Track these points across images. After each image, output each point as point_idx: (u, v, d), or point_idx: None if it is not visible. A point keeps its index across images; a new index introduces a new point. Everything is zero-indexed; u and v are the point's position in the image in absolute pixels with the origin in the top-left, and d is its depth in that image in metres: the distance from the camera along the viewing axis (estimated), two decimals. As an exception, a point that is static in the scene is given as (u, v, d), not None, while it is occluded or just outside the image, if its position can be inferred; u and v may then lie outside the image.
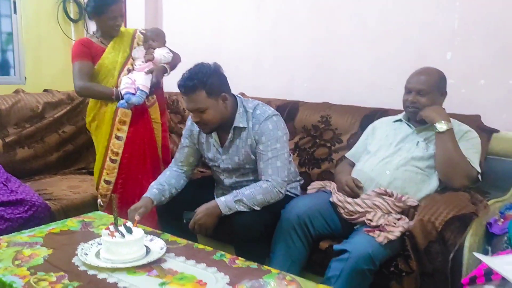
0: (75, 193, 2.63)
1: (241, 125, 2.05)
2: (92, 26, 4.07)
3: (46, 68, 3.99)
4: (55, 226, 1.96)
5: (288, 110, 2.76)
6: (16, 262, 1.60)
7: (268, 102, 2.63)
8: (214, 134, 2.12)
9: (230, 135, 2.07)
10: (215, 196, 2.26)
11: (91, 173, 3.01)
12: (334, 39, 2.85)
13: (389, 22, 2.62)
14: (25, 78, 3.88)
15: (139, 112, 2.50)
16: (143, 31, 2.62)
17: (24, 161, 2.88)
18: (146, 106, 2.54)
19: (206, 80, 1.92)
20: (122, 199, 2.45)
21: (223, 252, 1.70)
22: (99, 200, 2.55)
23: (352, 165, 2.21)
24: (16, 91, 3.07)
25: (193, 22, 3.53)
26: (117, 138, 2.48)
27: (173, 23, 3.63)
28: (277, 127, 2.03)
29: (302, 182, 2.32)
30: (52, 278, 1.49)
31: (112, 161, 2.49)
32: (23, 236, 1.84)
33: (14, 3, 3.79)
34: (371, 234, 1.75)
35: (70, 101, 3.14)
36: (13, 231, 1.96)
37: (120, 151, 2.48)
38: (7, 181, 2.30)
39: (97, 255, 1.65)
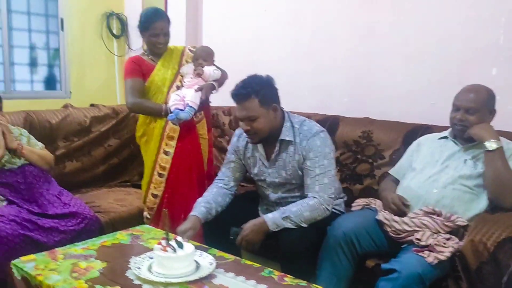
0: (122, 206, 2.69)
1: (287, 138, 2.09)
2: (135, 42, 4.21)
3: (89, 83, 4.14)
4: (106, 239, 2.02)
5: (328, 125, 2.77)
6: (74, 275, 1.66)
7: (307, 116, 2.64)
8: (260, 148, 2.16)
9: (276, 148, 2.11)
10: (259, 211, 2.30)
11: (135, 186, 3.09)
12: (374, 53, 2.86)
13: (430, 36, 2.62)
14: (70, 92, 4.04)
15: (187, 128, 2.56)
16: (192, 49, 2.69)
17: (72, 174, 2.97)
18: (194, 122, 2.60)
19: (260, 90, 1.99)
20: (168, 213, 2.51)
21: (271, 269, 1.72)
22: (145, 213, 2.62)
23: (396, 182, 2.20)
24: (65, 106, 3.19)
25: (232, 37, 3.59)
26: (165, 153, 2.54)
27: (212, 38, 3.71)
28: (324, 144, 2.06)
29: (345, 198, 2.32)
30: (110, 292, 1.54)
31: (160, 175, 2.55)
32: (77, 248, 1.91)
33: (62, 20, 3.95)
34: (420, 254, 1.74)
35: (115, 115, 3.22)
36: (67, 243, 2.03)
37: (168, 166, 2.54)
38: (60, 194, 2.39)
39: (149, 268, 1.69)
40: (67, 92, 4.04)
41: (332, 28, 3.04)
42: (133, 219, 2.58)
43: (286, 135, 2.09)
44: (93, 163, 3.08)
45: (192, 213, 2.08)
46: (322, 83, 3.12)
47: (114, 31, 4.20)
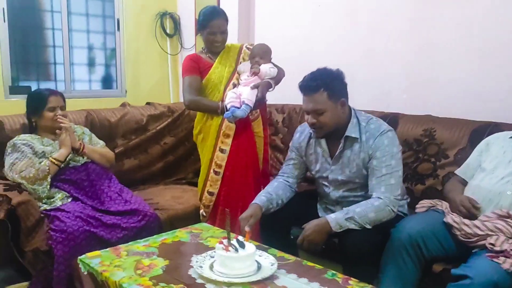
0: (179, 203, 2.72)
1: (352, 135, 2.03)
2: (188, 41, 4.26)
3: (144, 81, 4.22)
4: (166, 237, 2.04)
5: (387, 122, 2.65)
6: (138, 272, 1.68)
7: (365, 114, 2.58)
8: (323, 143, 2.12)
9: (341, 144, 2.06)
10: (318, 210, 2.25)
11: (190, 184, 3.12)
12: (436, 47, 2.73)
13: (498, 28, 2.47)
14: (126, 91, 4.13)
15: (243, 126, 2.54)
16: (249, 46, 2.68)
17: (131, 171, 3.02)
18: (250, 120, 2.59)
19: (329, 82, 1.96)
20: (224, 211, 2.51)
21: (334, 271, 1.68)
22: (201, 211, 2.63)
23: (463, 183, 2.09)
24: (123, 105, 3.26)
25: (285, 33, 3.55)
26: (221, 150, 2.55)
27: (265, 35, 3.67)
28: (392, 143, 2.00)
29: (409, 200, 2.24)
30: (175, 290, 1.55)
31: (216, 173, 2.56)
32: (139, 245, 1.93)
33: (118, 20, 4.05)
34: (495, 259, 1.64)
35: (170, 113, 3.26)
36: (129, 240, 2.07)
37: (224, 164, 2.54)
38: (120, 192, 2.44)
39: (211, 268, 1.68)
40: (123, 91, 4.14)
41: (390, 21, 2.93)
42: (190, 217, 2.60)
43: (352, 132, 2.04)
44: (150, 160, 3.13)
45: (253, 202, 2.08)
46: (380, 79, 3.03)
47: (168, 30, 4.26)
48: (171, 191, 2.94)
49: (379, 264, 1.95)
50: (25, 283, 2.12)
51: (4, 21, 3.44)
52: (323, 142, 2.12)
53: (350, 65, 3.12)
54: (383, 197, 1.93)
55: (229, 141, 2.53)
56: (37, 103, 2.44)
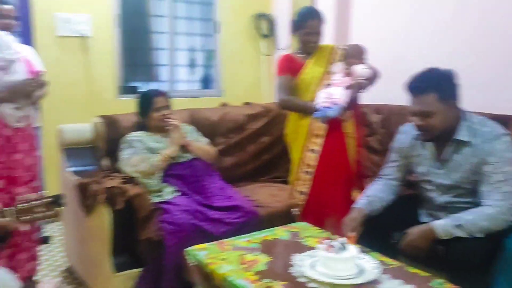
0: (276, 201, 2.76)
1: (463, 139, 1.94)
2: (282, 42, 4.31)
3: (240, 81, 4.35)
4: (267, 234, 2.09)
5: (495, 125, 2.52)
6: (243, 266, 1.74)
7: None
8: (429, 146, 2.05)
9: (450, 148, 1.98)
10: (419, 216, 2.18)
11: (285, 182, 3.16)
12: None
13: None
14: (223, 91, 4.29)
15: (334, 126, 2.54)
16: (343, 47, 2.67)
17: (229, 169, 3.11)
18: (341, 121, 2.57)
19: (440, 84, 1.88)
20: (315, 211, 2.53)
21: (441, 280, 1.62)
22: (292, 209, 2.66)
23: None
24: (223, 104, 3.39)
25: (383, 32, 3.46)
26: (312, 150, 2.56)
27: (362, 35, 3.61)
28: (509, 149, 1.88)
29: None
30: (279, 287, 1.58)
31: (306, 173, 2.58)
32: (242, 241, 2.00)
33: (215, 23, 4.22)
34: None
35: (267, 113, 3.33)
36: (231, 235, 2.13)
37: (314, 164, 2.55)
38: (222, 188, 2.56)
39: (312, 267, 1.69)
40: (220, 90, 4.30)
41: (504, 16, 2.74)
42: (287, 215, 2.63)
43: (462, 135, 1.94)
44: (247, 159, 3.21)
45: (354, 205, 2.09)
46: (487, 79, 2.84)
47: (263, 32, 4.35)
48: (268, 189, 2.99)
49: (489, 274, 1.84)
50: (137, 270, 2.29)
51: (118, 27, 3.73)
52: (429, 144, 2.05)
53: (455, 65, 2.98)
54: (498, 205, 1.81)
55: (319, 141, 2.54)
56: (144, 104, 2.63)
